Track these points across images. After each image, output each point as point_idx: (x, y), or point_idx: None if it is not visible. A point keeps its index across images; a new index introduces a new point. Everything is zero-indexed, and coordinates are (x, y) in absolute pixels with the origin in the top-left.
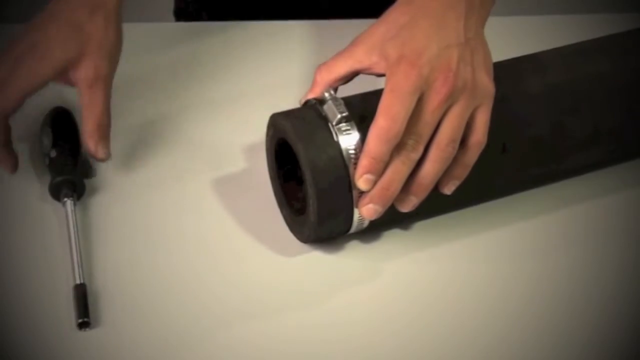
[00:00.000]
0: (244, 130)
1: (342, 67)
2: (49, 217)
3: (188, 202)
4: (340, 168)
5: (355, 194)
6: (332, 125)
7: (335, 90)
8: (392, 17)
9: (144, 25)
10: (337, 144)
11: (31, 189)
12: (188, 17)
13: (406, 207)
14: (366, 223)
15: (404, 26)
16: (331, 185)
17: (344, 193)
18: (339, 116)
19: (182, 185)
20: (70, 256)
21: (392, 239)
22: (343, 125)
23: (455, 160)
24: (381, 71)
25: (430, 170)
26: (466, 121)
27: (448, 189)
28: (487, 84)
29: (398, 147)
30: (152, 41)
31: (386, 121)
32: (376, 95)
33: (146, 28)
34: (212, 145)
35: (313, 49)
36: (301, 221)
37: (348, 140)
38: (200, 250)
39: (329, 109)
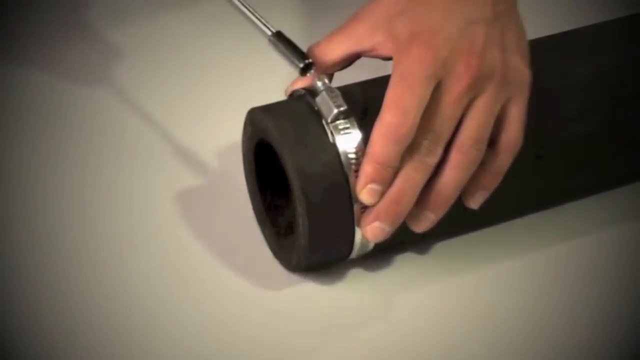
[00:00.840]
0: (214, 131)
1: (338, 49)
2: None
3: (144, 224)
4: (338, 177)
5: (357, 209)
6: (327, 123)
7: (331, 78)
8: None
9: None
10: (334, 147)
11: None
12: None
13: (421, 226)
14: (371, 246)
15: None
16: (326, 199)
17: (343, 209)
18: (335, 111)
19: (136, 203)
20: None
21: (403, 266)
22: (341, 123)
23: (482, 166)
24: (388, 53)
25: (451, 178)
26: (495, 116)
27: (474, 203)
28: (521, 70)
29: (410, 150)
30: (107, 14)
31: (395, 116)
32: (382, 83)
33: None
34: (174, 151)
35: (302, 26)
36: (289, 245)
37: (347, 141)
38: (158, 282)
39: (323, 101)
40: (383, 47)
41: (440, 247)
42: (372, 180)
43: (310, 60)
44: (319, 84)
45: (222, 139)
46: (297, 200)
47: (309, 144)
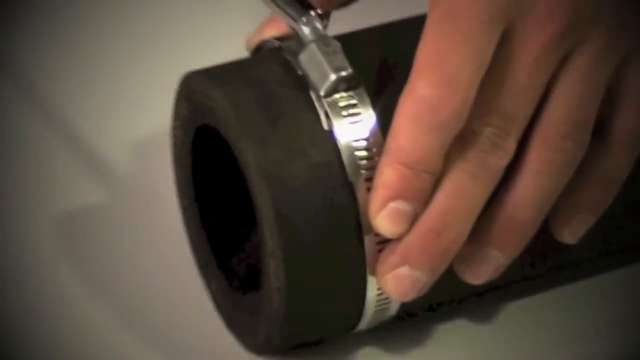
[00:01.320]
0: (130, 119)
1: None
2: None
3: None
4: (337, 189)
5: (370, 244)
6: (319, 98)
7: (325, 23)
8: None
9: None
10: (330, 138)
11: None
12: None
13: (481, 274)
14: (394, 309)
15: None
16: (317, 228)
17: (345, 244)
18: (333, 77)
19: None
20: None
21: (443, 346)
22: (342, 98)
23: (584, 171)
24: None
25: (531, 192)
26: (604, 87)
27: (571, 234)
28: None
29: (462, 144)
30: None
31: (434, 86)
32: (411, 29)
33: None
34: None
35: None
36: (251, 308)
37: (353, 128)
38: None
39: (313, 60)
40: None
41: (505, 313)
42: (397, 195)
43: (315, 19)
44: (306, 29)
45: (140, 128)
46: (266, 231)
47: (287, 133)
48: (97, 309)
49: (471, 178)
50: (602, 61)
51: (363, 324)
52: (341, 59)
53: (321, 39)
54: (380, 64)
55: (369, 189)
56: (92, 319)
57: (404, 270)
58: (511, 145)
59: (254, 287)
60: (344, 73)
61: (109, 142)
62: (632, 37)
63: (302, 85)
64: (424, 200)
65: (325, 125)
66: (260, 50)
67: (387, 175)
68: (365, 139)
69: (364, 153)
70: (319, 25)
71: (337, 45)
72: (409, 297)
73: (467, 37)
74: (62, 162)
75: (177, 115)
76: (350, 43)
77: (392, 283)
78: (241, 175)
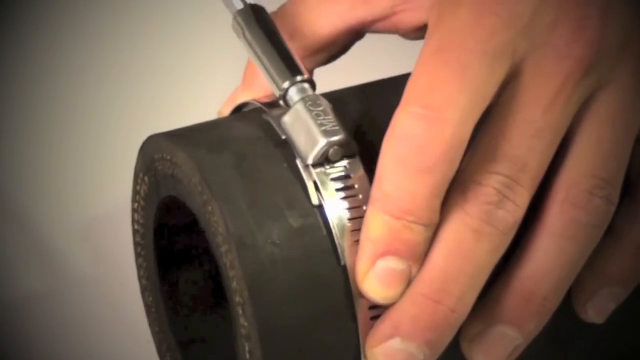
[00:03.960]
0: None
1: (329, 17)
2: None
3: None
4: (322, 254)
5: (362, 315)
6: (307, 167)
7: (312, 80)
8: None
9: None
10: (317, 206)
11: None
12: None
13: (495, 357)
14: None
15: None
16: (299, 301)
17: (332, 319)
18: (323, 143)
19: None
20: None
21: None
22: (335, 169)
23: (611, 236)
24: (418, 19)
25: (553, 258)
26: (634, 132)
27: (596, 311)
28: None
29: (464, 196)
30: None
31: (419, 121)
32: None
33: None
34: None
35: None
36: None
37: (343, 204)
38: None
39: (300, 122)
40: (409, 8)
41: None
42: (386, 251)
43: (304, 79)
44: (293, 90)
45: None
46: (240, 309)
47: (262, 196)
48: None
49: (475, 236)
50: (634, 102)
51: None
52: (333, 120)
53: (309, 99)
54: (370, 125)
55: (357, 250)
56: None
57: (396, 344)
58: (524, 197)
59: None
60: (336, 138)
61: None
62: None
63: (284, 149)
64: (420, 256)
65: (315, 200)
66: (240, 111)
67: (374, 228)
68: (358, 208)
69: (352, 214)
70: (306, 85)
71: (327, 105)
72: None
73: (464, 68)
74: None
75: (136, 194)
76: (337, 100)
77: (383, 357)
78: (210, 256)
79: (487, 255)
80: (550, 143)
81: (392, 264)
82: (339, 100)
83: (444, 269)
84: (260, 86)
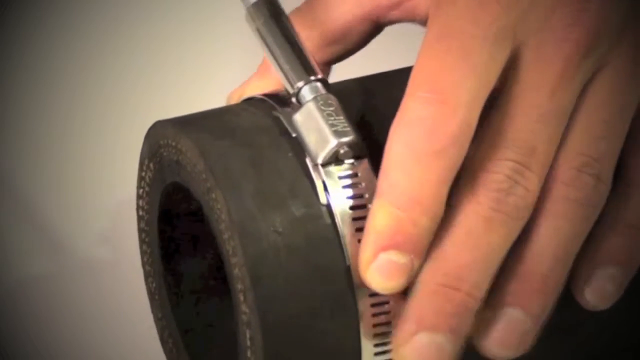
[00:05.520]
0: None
1: (340, 11)
2: None
3: None
4: (324, 246)
5: (363, 307)
6: (317, 166)
7: (325, 79)
8: None
9: None
10: (320, 191)
11: None
12: None
13: (507, 343)
14: None
15: None
16: (300, 289)
17: (336, 308)
18: (333, 143)
19: None
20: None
21: None
22: (343, 167)
23: (605, 218)
24: (424, 9)
25: (548, 237)
26: (629, 113)
27: (596, 295)
28: None
29: (473, 184)
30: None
31: (427, 106)
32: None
33: None
34: None
35: None
36: None
37: (348, 193)
38: None
39: (310, 121)
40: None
41: None
42: (389, 245)
43: (317, 79)
44: (306, 88)
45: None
46: (241, 296)
47: (268, 182)
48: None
49: (486, 224)
50: (628, 84)
51: None
52: (344, 121)
53: (321, 98)
54: (371, 118)
55: (359, 241)
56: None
57: (422, 338)
58: (534, 182)
59: None
60: (347, 139)
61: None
62: None
63: (291, 143)
64: (422, 250)
65: (323, 200)
66: (248, 103)
67: (378, 220)
68: (363, 197)
69: (355, 203)
70: (318, 77)
71: (338, 105)
72: None
73: (468, 53)
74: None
75: (142, 170)
76: (345, 91)
77: (412, 356)
78: (214, 244)
79: (499, 240)
80: (556, 126)
81: (394, 257)
82: (339, 92)
83: (458, 259)
84: (275, 77)
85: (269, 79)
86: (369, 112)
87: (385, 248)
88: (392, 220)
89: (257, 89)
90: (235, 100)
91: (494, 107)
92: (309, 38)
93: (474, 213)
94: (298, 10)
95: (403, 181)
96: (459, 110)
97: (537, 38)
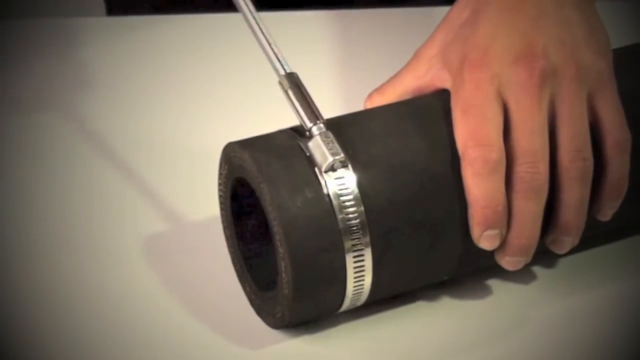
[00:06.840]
0: (190, 175)
1: (397, 87)
2: None
3: (115, 278)
4: (325, 214)
5: (347, 252)
6: (321, 172)
7: (324, 121)
8: (451, 16)
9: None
10: (323, 185)
11: None
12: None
13: (564, 249)
14: (364, 298)
15: (465, 23)
16: (311, 239)
17: (331, 254)
18: (330, 159)
19: (105, 255)
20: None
21: (414, 318)
22: (337, 174)
23: (599, 176)
24: (446, 85)
25: (568, 201)
26: (585, 118)
27: (603, 215)
28: (594, 62)
29: (512, 182)
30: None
31: (477, 148)
32: (381, 112)
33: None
34: (146, 197)
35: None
36: (272, 298)
37: (339, 182)
38: (131, 340)
39: (317, 147)
40: (440, 79)
41: (447, 294)
42: (487, 227)
43: (321, 122)
44: (314, 128)
45: (199, 184)
46: (279, 242)
47: (291, 180)
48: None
49: (527, 201)
50: (575, 102)
51: (344, 307)
52: (336, 147)
53: (323, 134)
54: (359, 147)
55: (346, 219)
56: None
57: (511, 259)
58: (543, 169)
59: (273, 288)
60: (337, 157)
61: (176, 193)
62: (590, 81)
63: (303, 152)
64: (504, 223)
65: (324, 190)
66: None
67: (476, 217)
68: (348, 189)
69: (349, 197)
70: (322, 124)
71: (332, 136)
72: (517, 268)
73: (482, 113)
74: (131, 207)
75: (220, 173)
76: (337, 124)
77: (508, 265)
78: (263, 213)
79: (537, 206)
80: (541, 134)
81: (491, 232)
82: (334, 123)
83: (520, 222)
84: (392, 97)
85: (389, 95)
86: (355, 136)
87: (485, 228)
88: (484, 215)
89: (379, 102)
90: (376, 102)
91: (507, 136)
92: (394, 96)
93: (520, 199)
94: (390, 83)
95: (480, 193)
96: (495, 146)
97: (512, 87)
